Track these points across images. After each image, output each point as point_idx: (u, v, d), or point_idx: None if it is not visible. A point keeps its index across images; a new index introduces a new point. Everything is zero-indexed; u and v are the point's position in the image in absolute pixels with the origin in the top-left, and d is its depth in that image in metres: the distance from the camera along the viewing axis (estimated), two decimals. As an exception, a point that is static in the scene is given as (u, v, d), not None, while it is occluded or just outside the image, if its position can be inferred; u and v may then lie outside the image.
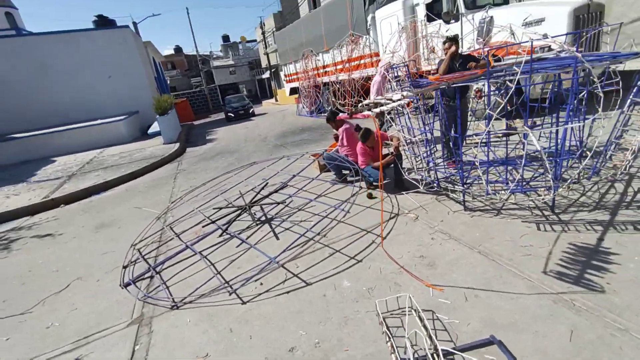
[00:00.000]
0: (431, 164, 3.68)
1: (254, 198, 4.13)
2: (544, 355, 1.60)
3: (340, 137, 4.53)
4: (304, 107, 13.45)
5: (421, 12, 7.35)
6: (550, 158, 2.90)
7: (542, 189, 2.99)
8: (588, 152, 2.81)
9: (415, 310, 1.94)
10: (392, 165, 3.91)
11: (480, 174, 3.07)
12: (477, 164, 3.05)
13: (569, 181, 2.91)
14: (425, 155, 3.72)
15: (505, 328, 1.79)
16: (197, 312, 2.43)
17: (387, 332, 1.87)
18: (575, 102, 2.76)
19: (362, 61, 9.28)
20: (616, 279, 1.98)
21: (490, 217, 2.94)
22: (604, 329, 1.67)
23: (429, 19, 7.17)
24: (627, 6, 7.31)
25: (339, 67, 10.32)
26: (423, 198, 3.55)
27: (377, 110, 2.29)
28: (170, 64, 43.47)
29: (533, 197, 3.02)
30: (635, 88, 2.77)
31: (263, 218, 3.78)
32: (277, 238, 3.31)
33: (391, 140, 3.94)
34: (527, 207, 2.98)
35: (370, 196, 3.88)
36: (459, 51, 4.10)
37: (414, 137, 3.70)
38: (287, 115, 14.57)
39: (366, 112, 2.44)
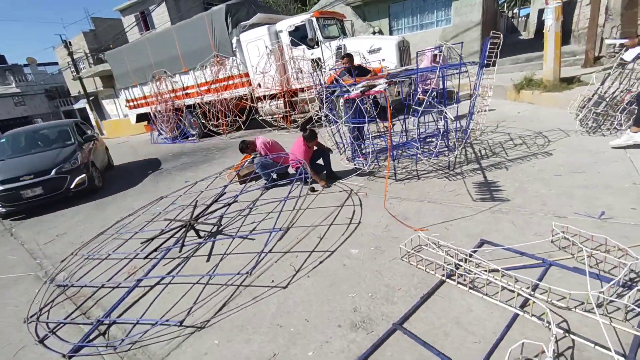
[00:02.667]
0: (365, 151, 4.40)
1: (194, 215, 3.66)
2: (501, 233, 2.45)
3: (261, 151, 4.59)
4: (161, 134, 12.05)
5: (285, 38, 8.32)
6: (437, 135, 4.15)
7: (445, 154, 4.15)
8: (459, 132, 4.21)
9: (431, 244, 2.47)
10: (325, 159, 4.41)
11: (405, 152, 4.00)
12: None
13: (459, 148, 4.20)
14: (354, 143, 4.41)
15: (479, 234, 2.58)
16: (220, 331, 2.11)
17: (422, 261, 2.30)
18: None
19: (231, 81, 9.39)
20: (507, 192, 3.16)
21: (416, 182, 3.88)
22: (517, 215, 2.70)
23: (294, 44, 8.21)
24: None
25: (204, 88, 10.01)
26: (358, 182, 4.20)
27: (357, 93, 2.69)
28: None
29: (434, 162, 4.19)
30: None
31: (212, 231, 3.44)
32: (253, 239, 3.14)
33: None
34: (435, 170, 4.10)
35: (312, 190, 4.21)
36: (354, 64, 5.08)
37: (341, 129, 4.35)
38: (140, 146, 12.59)
39: (377, 89, 2.74)
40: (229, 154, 7.64)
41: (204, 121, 10.28)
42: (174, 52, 10.06)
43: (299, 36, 8.18)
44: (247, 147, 4.61)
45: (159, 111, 11.42)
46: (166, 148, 10.61)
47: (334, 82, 4.67)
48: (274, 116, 9.12)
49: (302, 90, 8.41)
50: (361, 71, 4.93)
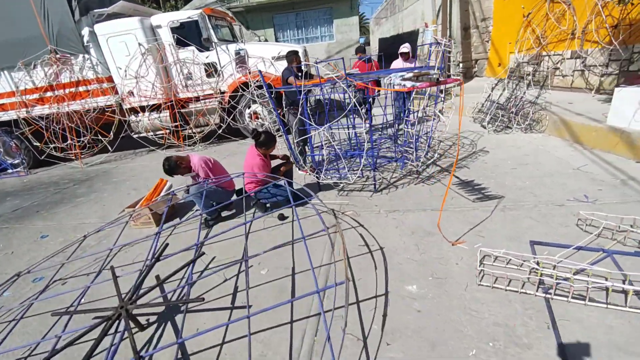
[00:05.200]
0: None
1: (125, 295, 2.15)
2: (533, 230, 2.43)
3: (201, 171, 3.29)
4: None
5: (166, 35, 6.69)
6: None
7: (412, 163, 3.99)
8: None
9: (492, 257, 2.15)
10: (289, 174, 3.55)
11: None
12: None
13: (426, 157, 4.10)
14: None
15: (515, 236, 2.47)
16: None
17: (499, 279, 1.95)
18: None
19: (84, 87, 6.84)
20: (492, 189, 3.26)
21: (396, 191, 3.58)
22: (526, 209, 2.78)
23: (181, 44, 6.71)
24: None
25: (34, 96, 6.94)
26: (330, 200, 3.56)
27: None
28: None
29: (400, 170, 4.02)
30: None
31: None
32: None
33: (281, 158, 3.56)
34: (403, 176, 3.91)
35: (282, 217, 3.29)
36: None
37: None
38: None
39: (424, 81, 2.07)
40: (100, 186, 5.44)
41: (37, 144, 7.10)
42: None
43: (184, 35, 6.76)
44: (176, 168, 3.20)
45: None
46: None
47: (285, 83, 3.89)
48: (157, 133, 7.20)
49: (197, 99, 6.97)
50: (305, 74, 4.31)
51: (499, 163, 3.89)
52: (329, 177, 3.58)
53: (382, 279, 2.22)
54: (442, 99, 3.51)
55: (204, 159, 3.30)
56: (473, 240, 2.50)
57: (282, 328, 1.94)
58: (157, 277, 2.48)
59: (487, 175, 3.60)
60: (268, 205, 3.46)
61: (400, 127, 4.33)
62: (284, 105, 4.15)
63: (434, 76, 1.88)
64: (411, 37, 13.03)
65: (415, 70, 2.45)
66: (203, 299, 1.93)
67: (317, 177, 3.72)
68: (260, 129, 6.99)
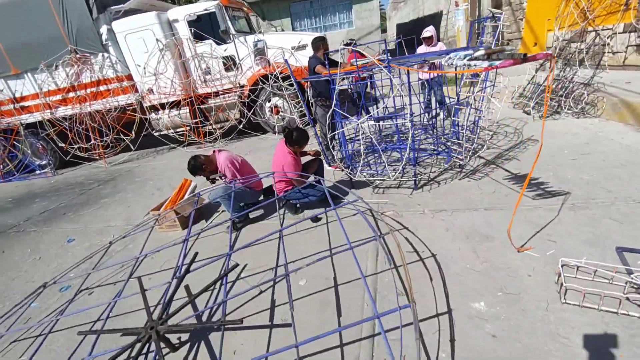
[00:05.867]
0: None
1: (156, 313, 1.96)
2: (619, 234, 2.05)
3: (227, 171, 3.06)
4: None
5: (183, 29, 6.50)
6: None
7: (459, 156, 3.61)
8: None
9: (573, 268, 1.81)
10: (320, 172, 3.29)
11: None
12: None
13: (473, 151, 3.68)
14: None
15: (596, 241, 2.10)
16: None
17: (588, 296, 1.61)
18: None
19: (105, 87, 6.79)
20: (552, 183, 2.87)
21: (439, 187, 3.24)
22: (601, 207, 2.39)
23: (198, 38, 6.51)
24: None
25: (57, 97, 6.97)
26: (363, 197, 3.27)
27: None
28: None
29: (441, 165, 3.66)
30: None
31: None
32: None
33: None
34: (444, 171, 3.55)
35: (315, 219, 3.03)
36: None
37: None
38: None
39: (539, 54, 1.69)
40: (124, 186, 5.37)
41: (62, 145, 7.16)
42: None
43: (202, 28, 6.55)
44: (201, 167, 2.99)
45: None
46: (-5, 191, 6.88)
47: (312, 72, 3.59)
48: (178, 130, 7.09)
49: (216, 94, 6.77)
50: (331, 61, 3.99)
51: (554, 153, 3.46)
52: (362, 173, 3.28)
53: (441, 293, 1.93)
54: (493, 83, 3.11)
55: (230, 158, 3.07)
56: (542, 246, 2.16)
57: (331, 353, 1.69)
58: (188, 289, 2.29)
59: (542, 168, 3.19)
60: (298, 205, 3.21)
61: (439, 116, 3.95)
62: (310, 97, 3.85)
63: (515, 52, 1.54)
64: (434, 20, 12.33)
65: (481, 48, 2.08)
66: (241, 321, 1.70)
67: (349, 174, 3.43)
68: (283, 123, 6.79)
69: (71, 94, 6.93)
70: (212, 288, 2.33)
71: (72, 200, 5.15)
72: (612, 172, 2.88)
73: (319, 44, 3.75)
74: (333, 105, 2.88)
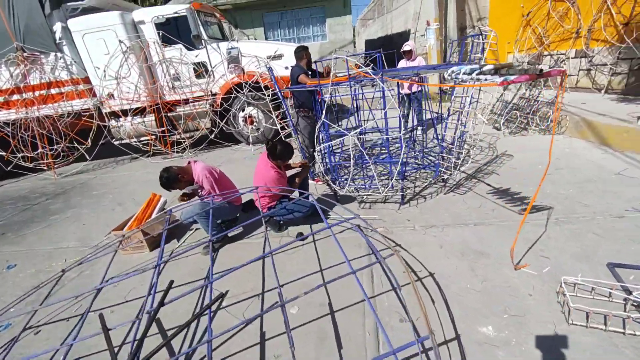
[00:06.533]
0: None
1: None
2: (601, 247, 2.11)
3: (206, 182, 2.78)
4: None
5: (148, 31, 6.09)
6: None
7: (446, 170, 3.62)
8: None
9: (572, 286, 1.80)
10: (305, 186, 3.11)
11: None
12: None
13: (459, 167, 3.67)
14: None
15: (585, 255, 2.14)
16: None
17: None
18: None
19: (56, 90, 6.13)
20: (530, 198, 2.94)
21: (425, 202, 3.20)
22: (583, 222, 2.47)
23: (167, 41, 6.12)
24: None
25: (-2, 100, 6.17)
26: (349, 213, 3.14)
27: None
28: None
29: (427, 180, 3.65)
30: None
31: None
32: None
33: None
34: (430, 184, 3.54)
35: (301, 236, 2.84)
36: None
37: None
38: None
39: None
40: (78, 200, 4.80)
41: (2, 153, 6.32)
42: None
43: (171, 32, 6.19)
44: (177, 179, 2.68)
45: None
46: None
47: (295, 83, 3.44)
48: (141, 139, 6.56)
49: (186, 102, 6.38)
50: (313, 72, 3.87)
51: (529, 168, 3.60)
52: (349, 187, 3.16)
53: (445, 316, 1.82)
54: (477, 99, 3.18)
55: (208, 168, 2.80)
56: (537, 262, 2.15)
57: (335, 394, 1.50)
58: (159, 324, 1.98)
59: (522, 182, 3.28)
60: (282, 222, 3.01)
61: (417, 130, 3.98)
62: (291, 108, 3.71)
63: (531, 67, 1.52)
64: (401, 38, 12.85)
65: (482, 64, 2.07)
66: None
67: (334, 188, 3.30)
68: (257, 134, 6.54)
69: (15, 97, 6.17)
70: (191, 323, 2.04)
71: (12, 217, 4.48)
72: (585, 187, 3.02)
73: (302, 53, 3.63)
74: (322, 117, 2.75)
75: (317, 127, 3.08)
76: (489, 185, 3.34)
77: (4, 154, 6.31)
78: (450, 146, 3.18)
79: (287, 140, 3.42)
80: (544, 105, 4.78)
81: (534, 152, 4.07)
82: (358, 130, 2.79)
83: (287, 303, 1.65)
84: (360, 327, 1.84)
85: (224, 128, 6.49)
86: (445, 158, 3.19)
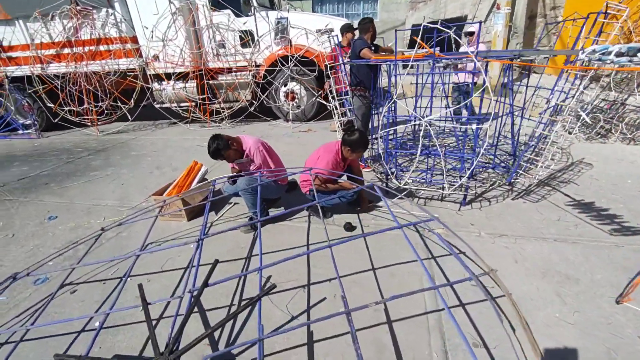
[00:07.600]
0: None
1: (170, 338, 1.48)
2: None
3: (257, 156, 2.56)
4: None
5: (199, -6, 5.88)
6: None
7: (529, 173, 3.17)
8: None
9: None
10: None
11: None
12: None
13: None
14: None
15: None
16: None
17: None
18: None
19: (105, 47, 6.12)
20: (625, 217, 2.50)
21: (490, 206, 2.83)
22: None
23: (216, 6, 5.88)
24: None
25: (50, 51, 6.26)
26: (400, 207, 2.83)
27: None
28: None
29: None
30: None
31: None
32: None
33: None
34: (487, 188, 3.15)
35: (349, 227, 2.58)
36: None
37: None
38: None
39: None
40: (118, 159, 4.80)
41: (51, 105, 6.48)
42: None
43: (221, -3, 5.93)
44: (227, 147, 2.46)
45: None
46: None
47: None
48: (182, 104, 6.49)
49: (229, 71, 6.19)
50: (376, 47, 3.50)
51: (616, 181, 3.10)
52: (406, 178, 2.83)
53: (528, 348, 1.51)
54: (574, 95, 2.71)
55: (262, 141, 2.58)
56: (641, 297, 1.77)
57: None
58: (199, 304, 1.82)
59: (608, 197, 2.81)
60: (344, 200, 2.71)
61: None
62: (350, 84, 3.37)
63: None
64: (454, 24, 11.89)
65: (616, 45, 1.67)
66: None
67: (386, 178, 2.99)
68: (297, 111, 6.25)
69: (66, 50, 6.24)
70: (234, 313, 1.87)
71: (56, 168, 4.55)
72: (693, 211, 2.53)
73: (368, 25, 3.24)
74: (394, 96, 2.41)
75: (358, 107, 2.74)
76: (567, 195, 2.90)
77: (52, 105, 6.47)
78: (535, 145, 2.74)
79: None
80: (632, 111, 4.13)
81: (618, 163, 3.53)
82: (435, 116, 2.43)
83: (355, 311, 1.41)
84: (425, 345, 1.58)
85: (264, 101, 6.27)
86: (528, 159, 2.75)
